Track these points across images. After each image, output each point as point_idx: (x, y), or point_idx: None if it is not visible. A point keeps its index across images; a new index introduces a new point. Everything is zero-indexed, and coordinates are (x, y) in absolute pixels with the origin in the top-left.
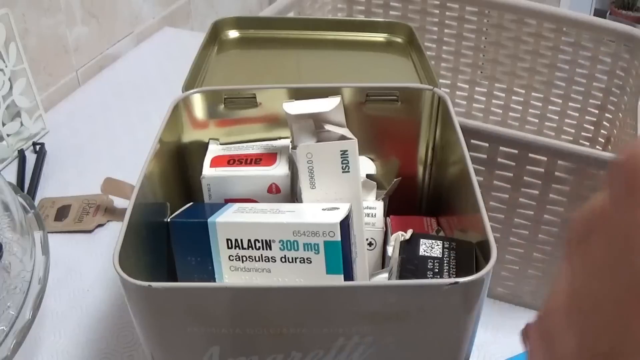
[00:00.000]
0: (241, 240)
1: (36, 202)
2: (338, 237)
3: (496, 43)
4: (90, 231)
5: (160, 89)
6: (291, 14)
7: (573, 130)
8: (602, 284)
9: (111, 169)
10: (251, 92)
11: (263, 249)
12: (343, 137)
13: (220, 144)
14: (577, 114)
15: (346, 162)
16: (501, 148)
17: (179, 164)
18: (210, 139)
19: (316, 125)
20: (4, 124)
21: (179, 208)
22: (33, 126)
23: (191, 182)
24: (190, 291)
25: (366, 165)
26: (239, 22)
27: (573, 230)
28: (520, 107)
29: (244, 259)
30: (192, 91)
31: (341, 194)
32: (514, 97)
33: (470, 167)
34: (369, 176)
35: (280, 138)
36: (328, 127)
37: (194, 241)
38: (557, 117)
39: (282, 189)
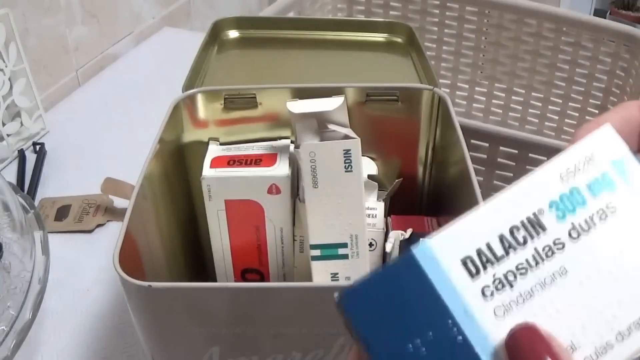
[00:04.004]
0: (488, 246)
1: (36, 202)
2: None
3: (496, 43)
4: (90, 231)
5: (160, 89)
6: (291, 14)
7: (573, 130)
8: None
9: (111, 169)
10: (251, 92)
11: (531, 236)
12: (346, 137)
13: (220, 144)
14: (577, 114)
15: (349, 161)
16: (501, 148)
17: (179, 164)
18: (210, 139)
19: (319, 124)
20: (4, 124)
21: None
22: (33, 126)
23: (191, 182)
24: (190, 291)
25: (368, 166)
26: (239, 22)
27: None
28: (520, 107)
29: (512, 276)
30: (192, 91)
31: (344, 193)
32: (514, 97)
33: (470, 167)
34: (370, 177)
35: (280, 138)
36: (331, 126)
37: (401, 307)
38: (557, 117)
39: (283, 190)
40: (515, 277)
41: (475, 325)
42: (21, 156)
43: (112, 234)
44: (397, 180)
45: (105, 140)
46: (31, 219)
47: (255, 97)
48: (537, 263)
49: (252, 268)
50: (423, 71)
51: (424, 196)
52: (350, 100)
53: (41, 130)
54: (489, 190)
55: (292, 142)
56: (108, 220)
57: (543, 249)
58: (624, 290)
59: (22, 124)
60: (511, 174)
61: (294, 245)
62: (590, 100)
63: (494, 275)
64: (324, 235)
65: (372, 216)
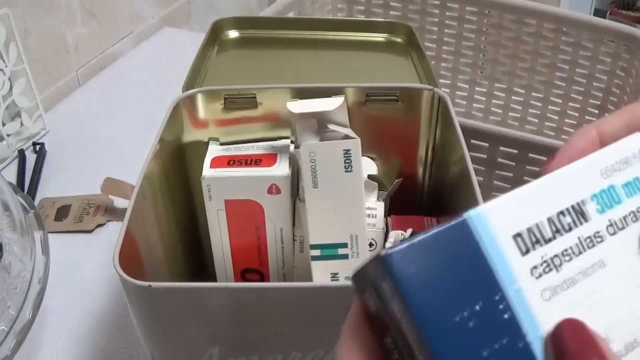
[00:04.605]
0: (537, 226)
1: (36, 202)
2: None
3: (496, 43)
4: (90, 231)
5: (160, 89)
6: (291, 14)
7: (573, 130)
8: None
9: (111, 169)
10: (251, 92)
11: (575, 223)
12: (346, 137)
13: (220, 144)
14: (577, 114)
15: (349, 161)
16: (501, 148)
17: (179, 164)
18: (210, 138)
19: (319, 124)
20: (4, 124)
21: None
22: (33, 126)
23: (191, 182)
24: (190, 291)
25: (368, 166)
26: (239, 22)
27: None
28: (520, 107)
29: (558, 261)
30: (192, 91)
31: (344, 193)
32: (514, 97)
33: (470, 167)
34: (370, 176)
35: (280, 138)
36: (331, 126)
37: (450, 274)
38: (557, 117)
39: (283, 190)
40: (561, 262)
41: (524, 304)
42: (21, 156)
43: (112, 234)
44: (397, 180)
45: (105, 141)
46: (31, 219)
47: (255, 97)
48: (580, 252)
49: (252, 268)
50: (423, 71)
51: (424, 196)
52: (350, 100)
53: (41, 130)
54: (489, 190)
55: (292, 142)
56: (108, 220)
57: (585, 239)
58: None
59: (22, 124)
60: (511, 174)
61: (294, 245)
62: (590, 100)
63: (542, 257)
64: (324, 235)
65: (372, 216)
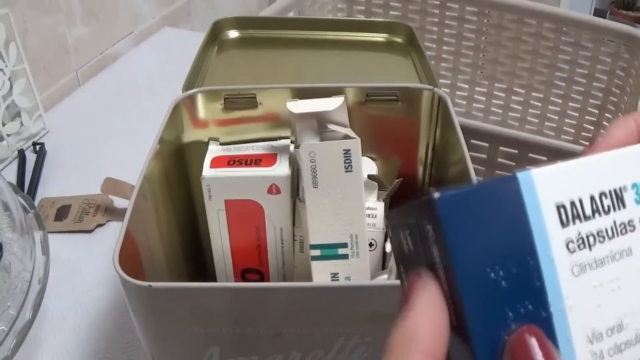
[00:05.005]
0: (580, 200)
1: (36, 202)
2: None
3: (496, 43)
4: (90, 231)
5: (160, 89)
6: (291, 14)
7: (573, 130)
8: None
9: (111, 169)
10: (251, 92)
11: (614, 207)
12: (346, 137)
13: (220, 144)
14: (577, 114)
15: (349, 161)
16: (501, 148)
17: (179, 164)
18: (210, 138)
19: (319, 124)
20: (4, 124)
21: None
22: (33, 126)
23: (191, 182)
24: (190, 291)
25: (368, 166)
26: (239, 22)
27: None
28: (520, 107)
29: (592, 239)
30: (192, 91)
31: (344, 193)
32: (514, 97)
33: (470, 167)
34: (370, 176)
35: (280, 138)
36: (331, 126)
37: (492, 228)
38: (557, 117)
39: (283, 190)
40: (595, 241)
41: (554, 276)
42: (21, 156)
43: (112, 234)
44: (397, 180)
45: (105, 140)
46: (31, 219)
47: (255, 97)
48: (612, 236)
49: (252, 268)
50: (423, 71)
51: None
52: (350, 100)
53: (41, 130)
54: None
55: (292, 142)
56: (108, 220)
57: (620, 225)
58: None
59: (22, 124)
60: (511, 174)
61: (294, 245)
62: (590, 100)
63: (579, 232)
64: (324, 235)
65: (372, 216)
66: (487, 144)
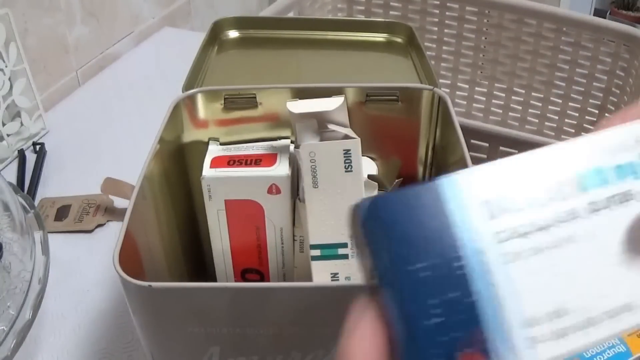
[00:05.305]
0: (510, 195)
1: (36, 202)
2: None
3: (496, 43)
4: (90, 231)
5: (160, 89)
6: (291, 14)
7: (573, 130)
8: None
9: (111, 169)
10: (251, 92)
11: (552, 198)
12: (346, 137)
13: (220, 144)
14: (577, 114)
15: (349, 161)
16: (501, 148)
17: (179, 164)
18: (210, 138)
19: (319, 124)
20: (4, 124)
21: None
22: (33, 126)
23: (191, 182)
24: (190, 291)
25: (368, 166)
26: (239, 22)
27: None
28: (520, 107)
29: (528, 228)
30: (192, 91)
31: (344, 193)
32: (514, 97)
33: (471, 167)
34: (370, 176)
35: (280, 138)
36: (331, 126)
37: (413, 228)
38: (557, 117)
39: (283, 190)
40: (529, 230)
41: (481, 264)
42: (21, 156)
43: (112, 234)
44: (397, 180)
45: (105, 140)
46: (31, 219)
47: (255, 97)
48: (552, 225)
49: (252, 268)
50: (423, 71)
51: None
52: (350, 100)
53: (41, 130)
54: None
55: (292, 142)
56: (108, 220)
57: (561, 214)
58: (618, 274)
59: (22, 124)
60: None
61: (294, 245)
62: (590, 100)
63: (509, 223)
64: (324, 235)
65: None
66: (487, 144)
